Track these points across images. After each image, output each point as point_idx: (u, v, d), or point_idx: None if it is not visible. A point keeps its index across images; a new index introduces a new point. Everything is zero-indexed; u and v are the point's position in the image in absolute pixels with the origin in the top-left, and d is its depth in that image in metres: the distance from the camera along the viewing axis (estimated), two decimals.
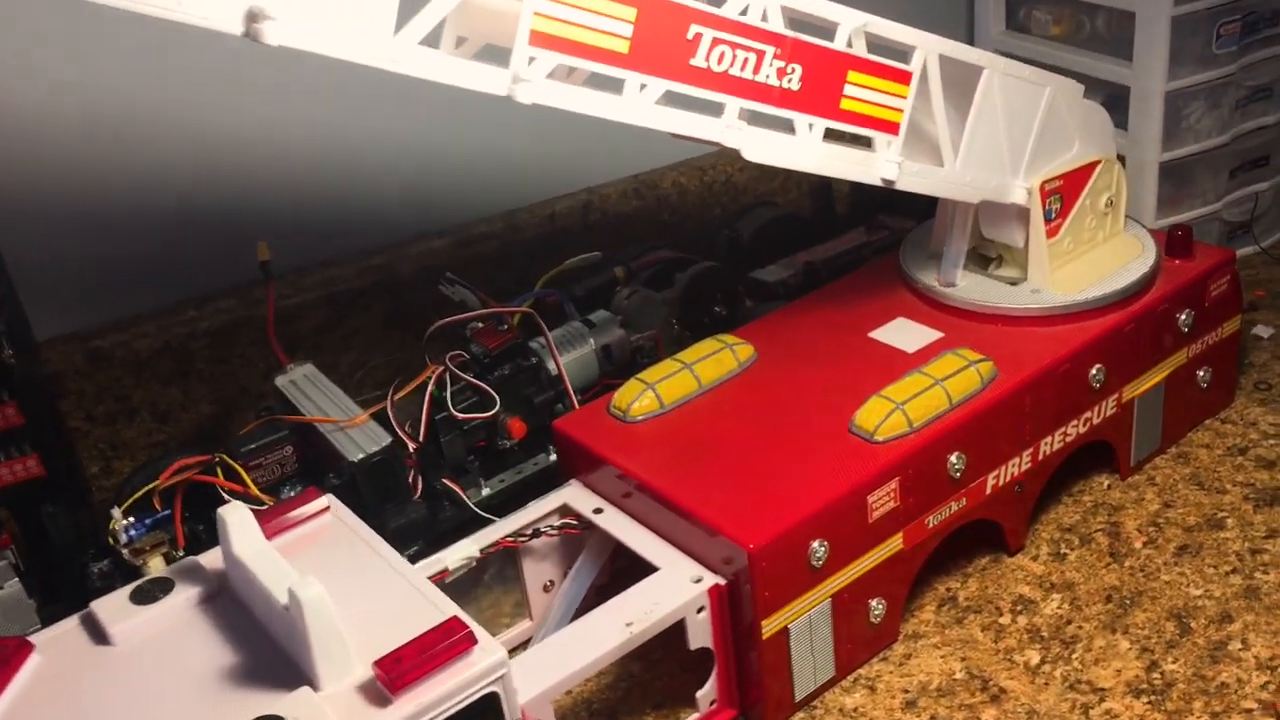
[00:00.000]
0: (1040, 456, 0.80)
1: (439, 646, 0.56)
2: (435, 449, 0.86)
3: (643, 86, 0.61)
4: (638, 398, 0.79)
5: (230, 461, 0.81)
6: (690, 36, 0.61)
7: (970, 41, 1.20)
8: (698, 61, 0.62)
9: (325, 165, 1.05)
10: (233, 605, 0.63)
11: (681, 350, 0.84)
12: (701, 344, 0.83)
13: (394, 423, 0.83)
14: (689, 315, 0.98)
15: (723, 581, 0.69)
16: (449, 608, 0.60)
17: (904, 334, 0.83)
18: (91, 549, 0.81)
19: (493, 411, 0.84)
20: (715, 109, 0.66)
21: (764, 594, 0.68)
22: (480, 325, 0.90)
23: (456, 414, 0.83)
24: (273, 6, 0.49)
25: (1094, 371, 0.81)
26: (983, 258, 0.89)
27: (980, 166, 0.78)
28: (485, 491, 0.87)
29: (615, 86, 0.61)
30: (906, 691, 0.73)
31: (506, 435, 0.88)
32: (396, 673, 0.55)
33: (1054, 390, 0.79)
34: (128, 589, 0.64)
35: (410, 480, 0.83)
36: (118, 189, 0.98)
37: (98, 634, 0.62)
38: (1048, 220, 0.83)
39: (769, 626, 0.69)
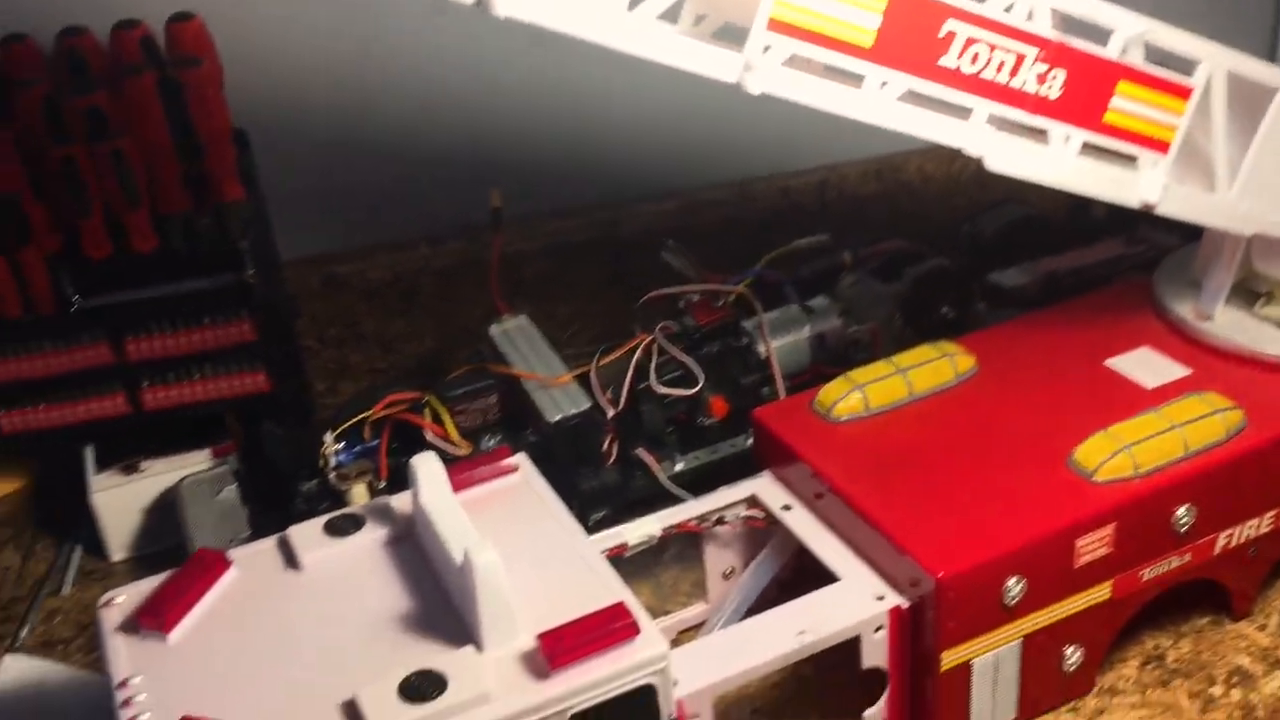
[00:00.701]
0: None
1: (602, 630, 0.56)
2: (634, 417, 0.85)
3: (884, 83, 0.58)
4: (843, 397, 0.75)
5: (437, 404, 0.83)
6: (943, 34, 0.57)
7: (1271, 55, 1.08)
8: (947, 61, 0.58)
9: (563, 117, 1.05)
10: (415, 552, 0.64)
11: (898, 352, 0.80)
12: (919, 349, 0.79)
13: (596, 387, 0.83)
14: (914, 313, 0.94)
15: (906, 604, 0.65)
16: (619, 590, 0.59)
17: (1145, 366, 0.77)
18: (303, 469, 0.85)
19: (694, 390, 0.83)
20: (955, 109, 0.61)
21: (948, 625, 0.64)
22: (695, 299, 0.89)
23: (657, 387, 0.82)
24: None
25: None
26: (1249, 292, 0.81)
27: (1259, 197, 0.70)
28: (679, 466, 0.86)
29: (851, 79, 0.57)
30: None
31: (708, 413, 0.86)
32: (558, 649, 0.55)
33: None
34: (321, 520, 0.66)
35: (605, 446, 0.83)
36: (370, 125, 1.02)
37: (290, 558, 0.64)
38: None
39: (950, 658, 0.65)
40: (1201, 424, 0.69)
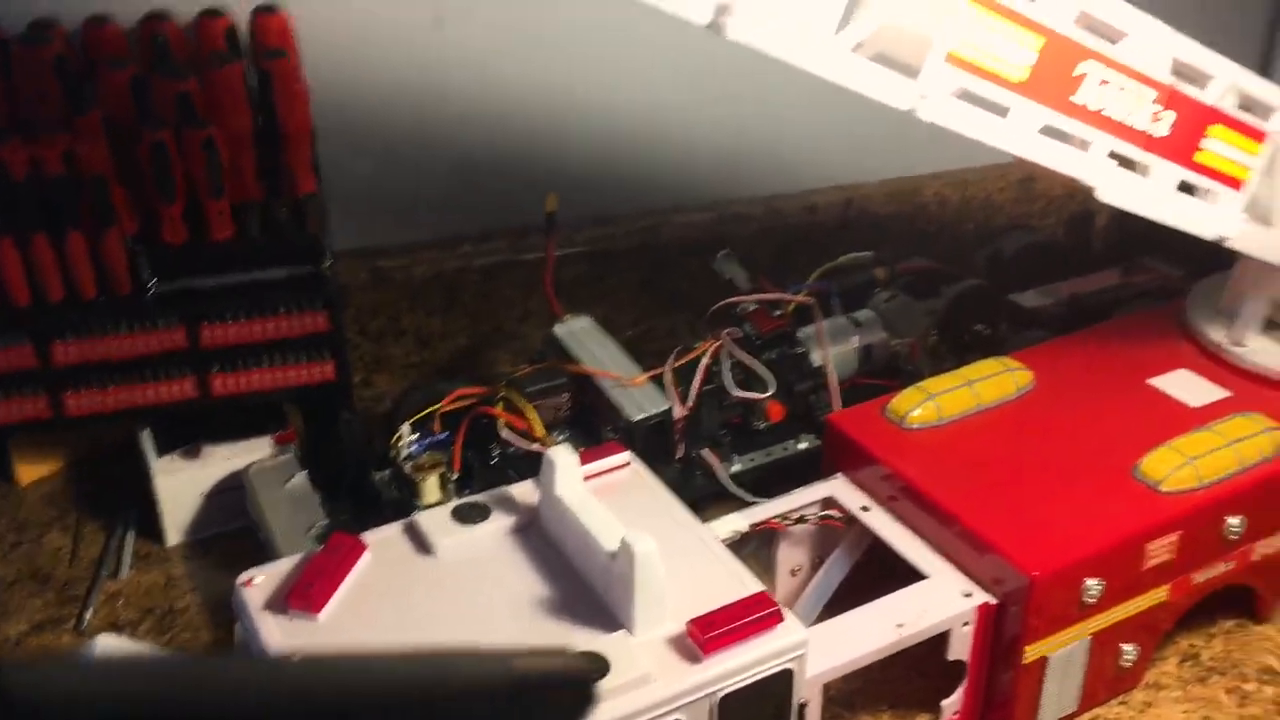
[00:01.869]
0: None
1: (751, 617, 0.59)
2: (696, 420, 0.88)
3: (1027, 115, 0.62)
4: (918, 405, 0.80)
5: (517, 398, 0.85)
6: (1078, 73, 0.62)
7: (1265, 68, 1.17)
8: (1078, 98, 0.63)
9: (604, 128, 1.08)
10: (542, 540, 0.66)
11: (933, 366, 0.85)
12: (983, 363, 0.84)
13: (671, 389, 0.86)
14: (949, 329, 0.99)
15: (993, 600, 0.70)
16: (752, 580, 0.63)
17: (1186, 387, 0.83)
18: (373, 460, 0.86)
19: (767, 394, 0.87)
20: (1079, 143, 0.66)
21: (1034, 621, 0.69)
22: (754, 307, 0.93)
23: (735, 393, 0.86)
24: (737, 7, 0.52)
25: None
26: (1272, 322, 0.88)
27: None
28: (736, 467, 0.90)
29: (998, 110, 0.62)
30: None
31: (764, 417, 0.90)
32: (710, 634, 0.58)
33: None
34: (449, 507, 0.68)
35: (675, 445, 0.86)
36: (420, 122, 1.03)
37: (421, 544, 0.66)
38: None
39: (1031, 652, 0.70)
40: (1252, 441, 0.76)
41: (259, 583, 0.63)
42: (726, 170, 1.13)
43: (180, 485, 0.88)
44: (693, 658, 0.59)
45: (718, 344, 0.88)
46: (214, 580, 0.87)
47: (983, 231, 1.17)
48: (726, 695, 0.59)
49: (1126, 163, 0.70)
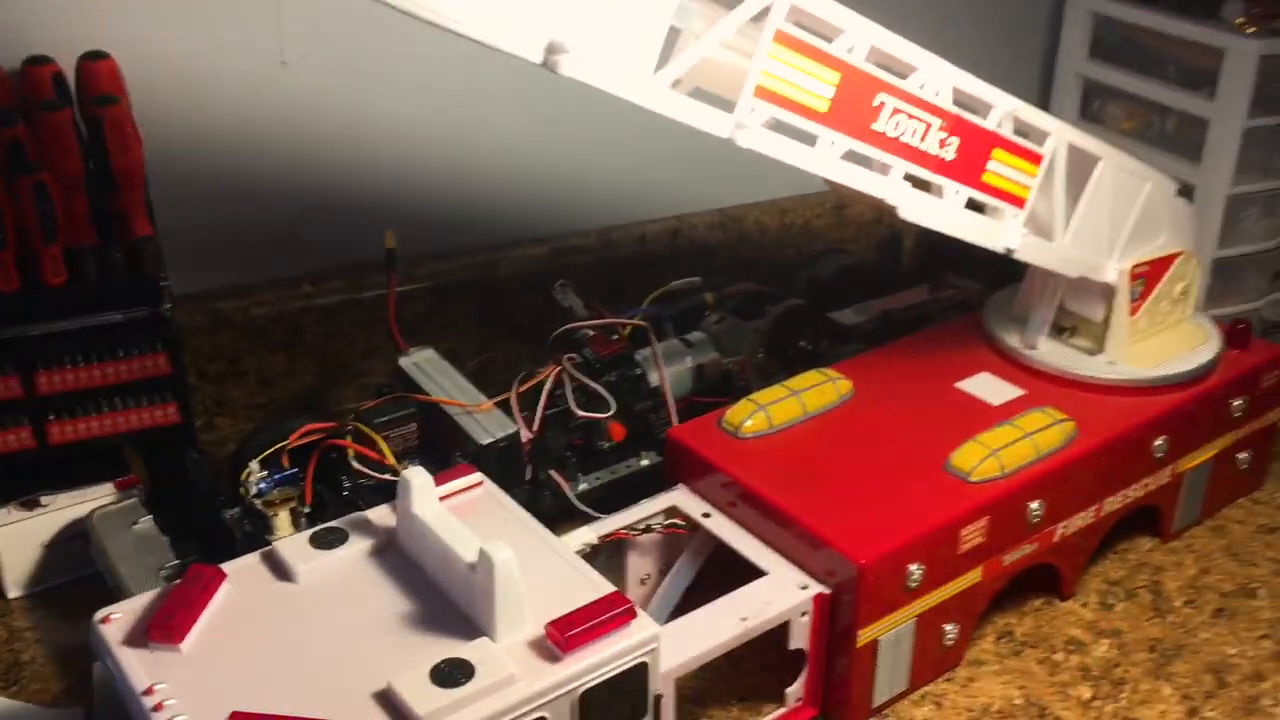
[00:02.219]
0: (1103, 513, 0.88)
1: (605, 615, 0.63)
2: (543, 443, 0.92)
3: (832, 142, 0.69)
4: (750, 416, 0.86)
5: (366, 430, 0.87)
6: (876, 104, 0.69)
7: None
8: (878, 126, 0.70)
9: (442, 166, 1.11)
10: (401, 560, 0.69)
11: (761, 382, 0.91)
12: (807, 375, 0.90)
13: (516, 413, 0.90)
14: (775, 347, 1.05)
15: (827, 590, 0.76)
16: (604, 583, 0.67)
17: (988, 388, 0.91)
18: (221, 497, 0.87)
19: (609, 414, 0.91)
20: (879, 167, 0.73)
21: (865, 606, 0.75)
22: (592, 333, 0.97)
23: (578, 412, 0.90)
24: (570, 41, 0.56)
25: (1159, 442, 0.89)
26: (1057, 326, 0.97)
27: (1084, 245, 0.86)
28: (582, 486, 0.94)
29: (808, 139, 0.68)
30: (970, 710, 0.81)
31: (606, 437, 0.94)
32: (568, 633, 0.62)
33: (1124, 455, 0.87)
34: (306, 534, 0.70)
35: (523, 467, 0.90)
36: (258, 164, 1.04)
37: (280, 571, 0.67)
38: (1131, 300, 0.91)
39: (864, 636, 0.76)
40: (1047, 432, 0.84)
41: (117, 619, 0.64)
42: (561, 204, 1.17)
43: (19, 537, 0.87)
44: (553, 657, 0.62)
45: (558, 369, 0.92)
46: (59, 630, 0.85)
47: (802, 255, 1.24)
48: (586, 690, 0.62)
49: (924, 184, 0.77)
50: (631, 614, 0.64)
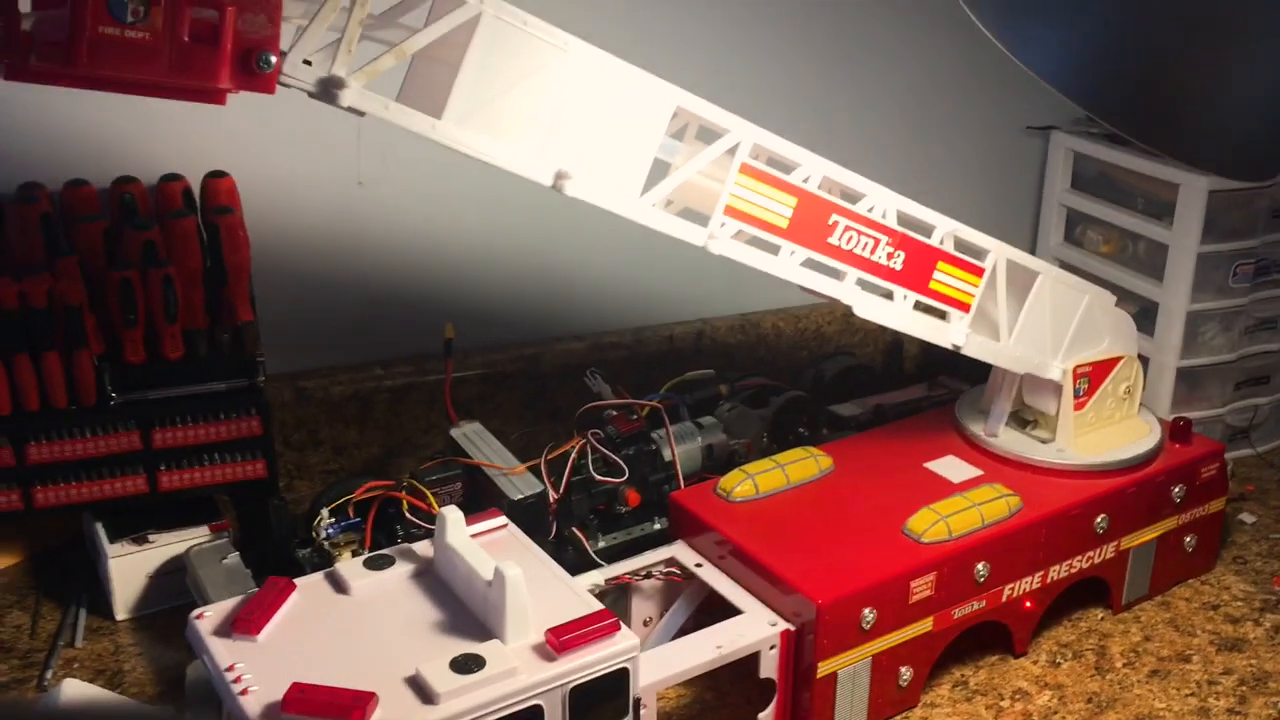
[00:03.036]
0: (1049, 580, 1.01)
1: (593, 626, 0.78)
2: (566, 504, 1.08)
3: (792, 252, 0.86)
4: (740, 483, 1.01)
5: (418, 485, 1.04)
6: (830, 222, 0.86)
7: (1032, 247, 1.44)
8: (833, 240, 0.86)
9: (495, 269, 1.30)
10: (435, 581, 0.85)
11: (774, 454, 1.06)
12: (793, 451, 1.06)
13: (545, 477, 1.06)
14: (778, 431, 1.21)
15: (792, 628, 0.90)
16: (596, 604, 0.82)
17: (951, 468, 1.05)
18: (297, 539, 1.04)
19: (622, 479, 1.07)
20: (837, 274, 0.90)
21: (823, 641, 0.89)
22: (615, 413, 1.14)
23: (596, 476, 1.06)
24: (573, 169, 0.75)
25: (1099, 519, 1.02)
26: (1022, 420, 1.11)
27: (1027, 346, 1.01)
28: (601, 544, 1.09)
29: (771, 249, 0.85)
30: None
31: (624, 502, 1.10)
32: (562, 639, 0.77)
33: (1065, 528, 1.00)
34: (361, 558, 0.86)
35: (549, 523, 1.05)
36: (339, 265, 1.23)
37: (338, 585, 0.84)
38: (1076, 396, 1.05)
39: (823, 668, 0.90)
40: (992, 504, 0.98)
41: (209, 616, 0.80)
42: (598, 306, 1.35)
43: (129, 568, 1.04)
44: (549, 657, 0.77)
45: (583, 441, 1.08)
46: (158, 648, 1.02)
47: (814, 357, 1.40)
48: (576, 687, 0.77)
49: (884, 289, 0.93)
50: (616, 627, 0.79)
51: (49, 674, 0.98)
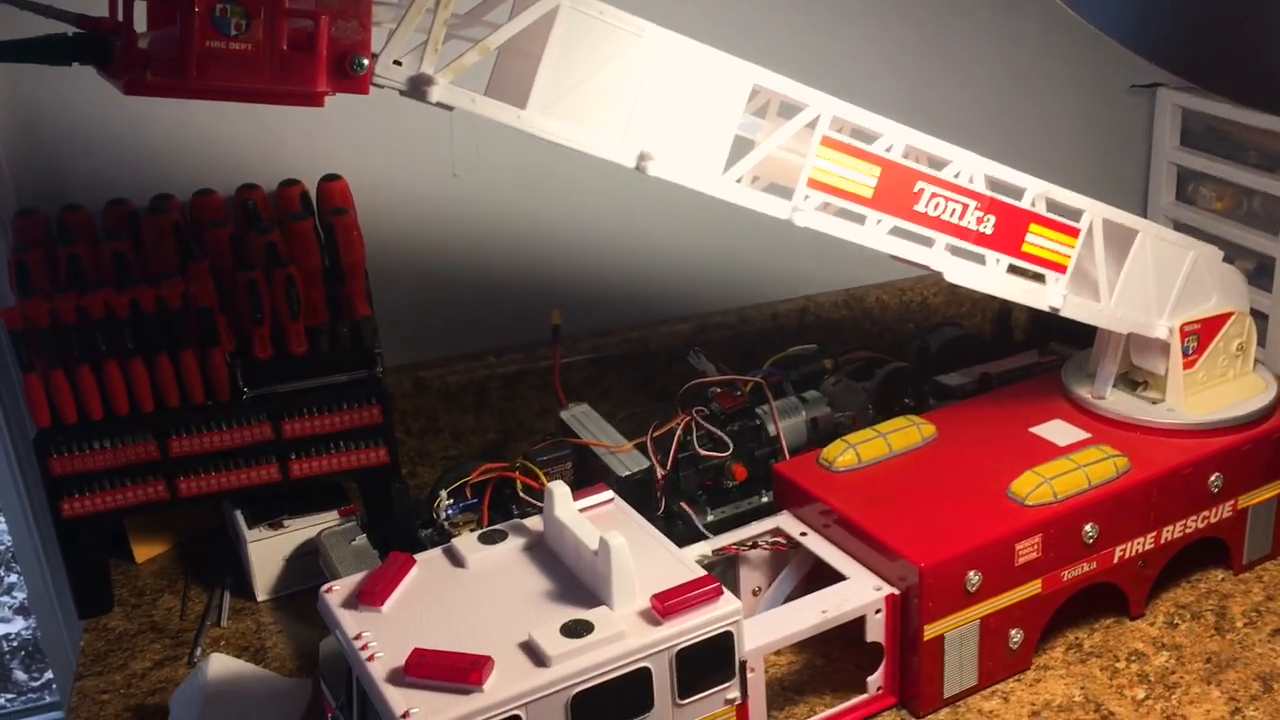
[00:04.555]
0: (1162, 540, 1.00)
1: (696, 592, 0.81)
2: (675, 481, 1.11)
3: (879, 221, 0.87)
4: (842, 453, 1.02)
5: (530, 465, 1.08)
6: (916, 190, 0.87)
7: (1143, 208, 1.41)
8: (919, 207, 0.87)
9: (600, 255, 1.33)
10: (547, 553, 0.88)
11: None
12: (895, 420, 1.07)
13: (651, 454, 1.09)
14: (883, 403, 1.21)
15: (897, 592, 0.91)
16: (699, 570, 0.84)
17: (1058, 432, 1.05)
18: (419, 520, 1.09)
19: (726, 453, 1.09)
20: (927, 240, 0.91)
21: (928, 604, 0.90)
22: (719, 390, 1.16)
23: (700, 451, 1.08)
24: (655, 150, 0.78)
25: (1213, 478, 1.01)
26: (1132, 382, 1.10)
27: (1130, 306, 1.00)
28: (710, 518, 1.11)
29: (857, 218, 0.87)
30: (1033, 704, 0.93)
31: (731, 477, 1.12)
32: (667, 604, 0.80)
33: (1177, 488, 0.99)
34: (476, 533, 0.90)
35: (657, 498, 1.09)
36: (448, 257, 1.28)
37: (455, 559, 0.88)
38: (1185, 355, 1.04)
39: (929, 632, 0.91)
40: (1099, 465, 0.97)
41: (337, 589, 0.85)
42: (703, 287, 1.37)
43: (268, 551, 1.11)
44: (655, 622, 0.80)
45: (688, 418, 1.11)
46: (295, 625, 1.08)
47: (920, 329, 1.40)
48: (682, 649, 0.80)
49: (977, 254, 0.94)
50: (719, 592, 0.81)
51: (198, 651, 1.05)
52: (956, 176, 0.89)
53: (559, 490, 0.88)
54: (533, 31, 0.76)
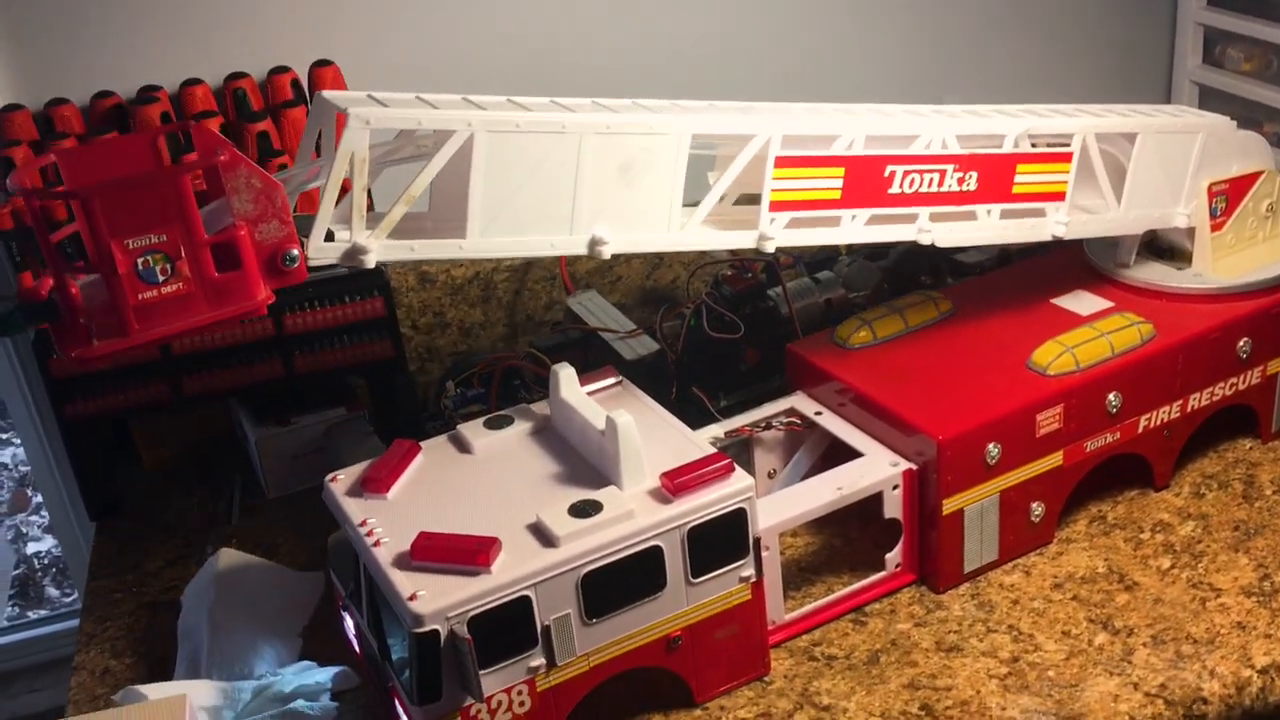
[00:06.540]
0: (1189, 409, 0.97)
1: (707, 469, 0.79)
2: (688, 365, 1.08)
3: (854, 217, 0.85)
4: (856, 330, 0.99)
5: (537, 353, 1.06)
6: (887, 174, 0.84)
7: (1168, 73, 1.36)
8: (895, 189, 0.85)
9: None
10: (554, 437, 0.86)
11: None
12: (910, 296, 1.03)
13: (660, 337, 1.06)
14: (898, 282, 1.18)
15: (914, 467, 0.89)
16: (708, 447, 0.82)
17: (1080, 301, 1.01)
18: (427, 412, 1.07)
19: (738, 334, 1.06)
20: (909, 218, 0.88)
21: (947, 478, 0.87)
22: (729, 272, 1.13)
23: (710, 332, 1.06)
24: (606, 233, 0.80)
25: (1242, 343, 0.97)
26: (1158, 250, 1.06)
27: (1142, 206, 0.96)
28: (723, 402, 1.09)
29: (832, 222, 0.84)
30: (1055, 577, 0.92)
31: (744, 361, 1.10)
32: (677, 481, 0.78)
33: (1204, 354, 0.96)
34: (481, 419, 0.88)
35: (669, 383, 1.06)
36: None
37: (461, 445, 0.86)
38: (1213, 216, 1.00)
39: (948, 506, 0.88)
40: (1123, 332, 0.94)
41: (341, 478, 0.84)
42: None
43: (276, 448, 1.10)
44: (665, 500, 0.78)
45: (698, 302, 1.08)
46: (305, 521, 1.07)
47: None
48: (693, 527, 0.78)
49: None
50: (730, 469, 0.79)
51: (209, 549, 1.04)
52: (928, 147, 0.85)
53: (564, 372, 0.85)
54: (455, 163, 0.75)
